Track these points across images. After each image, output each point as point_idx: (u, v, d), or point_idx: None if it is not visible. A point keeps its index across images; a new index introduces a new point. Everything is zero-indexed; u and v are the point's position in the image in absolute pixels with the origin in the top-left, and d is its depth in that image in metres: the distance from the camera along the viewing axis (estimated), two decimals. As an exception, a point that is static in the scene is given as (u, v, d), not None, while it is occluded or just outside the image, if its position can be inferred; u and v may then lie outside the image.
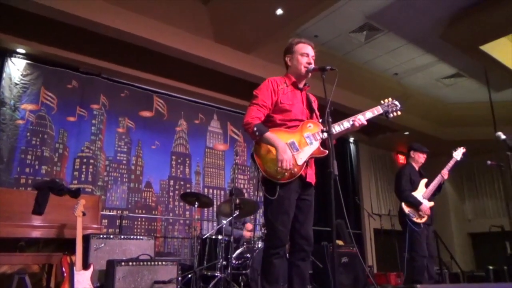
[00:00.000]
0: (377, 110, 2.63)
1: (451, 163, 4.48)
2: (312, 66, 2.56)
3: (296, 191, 2.39)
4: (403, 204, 4.37)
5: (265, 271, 2.30)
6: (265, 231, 2.44)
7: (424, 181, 4.52)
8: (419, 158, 4.62)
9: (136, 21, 5.08)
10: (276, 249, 2.30)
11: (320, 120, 2.57)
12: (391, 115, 2.65)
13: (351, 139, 9.20)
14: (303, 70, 2.56)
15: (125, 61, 5.82)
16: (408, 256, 4.23)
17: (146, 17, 5.16)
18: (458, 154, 4.51)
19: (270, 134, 2.36)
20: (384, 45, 6.35)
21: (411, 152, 4.65)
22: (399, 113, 2.68)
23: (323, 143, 2.47)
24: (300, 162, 2.36)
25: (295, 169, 2.34)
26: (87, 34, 5.01)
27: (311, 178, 2.48)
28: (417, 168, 4.61)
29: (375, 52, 6.57)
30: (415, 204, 4.30)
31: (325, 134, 2.39)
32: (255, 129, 2.34)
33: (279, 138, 2.34)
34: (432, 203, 4.38)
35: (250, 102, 2.51)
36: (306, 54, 2.60)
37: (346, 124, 2.49)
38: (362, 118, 2.51)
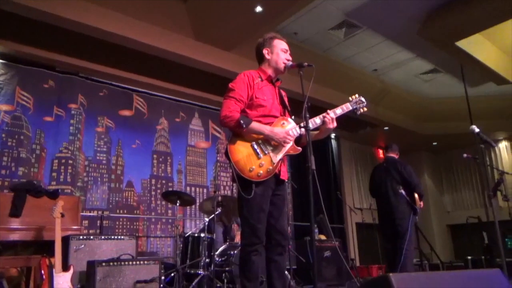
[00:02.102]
0: (346, 107, 2.62)
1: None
2: (291, 62, 2.58)
3: (271, 187, 2.40)
4: (416, 196, 4.68)
5: (245, 269, 2.30)
6: (241, 229, 2.42)
7: None
8: None
9: (114, 19, 5.00)
10: (254, 246, 2.30)
11: (293, 117, 2.59)
12: (359, 112, 2.65)
13: (332, 135, 9.29)
14: (283, 65, 2.58)
15: (103, 60, 5.73)
16: (408, 246, 4.50)
17: (124, 15, 5.08)
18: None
19: (256, 123, 2.38)
20: (363, 42, 6.43)
21: (398, 153, 5.08)
22: (365, 109, 2.67)
23: (297, 140, 2.49)
24: (275, 160, 2.38)
25: (271, 167, 2.36)
26: (64, 32, 4.90)
27: (284, 175, 2.50)
28: None
29: (354, 48, 6.64)
30: (422, 197, 4.76)
31: (302, 130, 2.41)
32: (241, 121, 2.31)
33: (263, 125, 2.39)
34: None
35: (226, 95, 2.48)
36: (285, 50, 2.63)
37: (317, 120, 2.50)
38: (332, 114, 2.50)
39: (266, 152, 2.38)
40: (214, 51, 5.94)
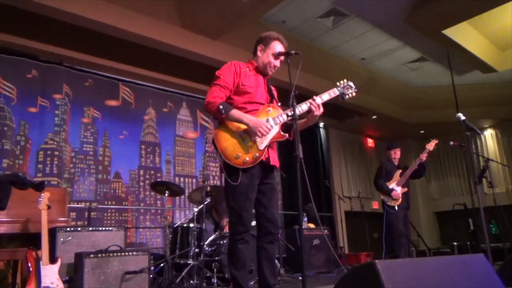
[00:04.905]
0: (333, 92, 2.62)
1: (424, 154, 5.03)
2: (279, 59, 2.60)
3: (257, 176, 2.40)
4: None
5: (232, 257, 2.33)
6: (229, 219, 2.43)
7: (399, 171, 5.15)
8: (395, 154, 5.29)
9: (98, 6, 4.88)
10: (241, 234, 2.32)
11: (279, 104, 2.59)
12: (347, 96, 2.65)
13: (321, 124, 9.31)
14: (269, 71, 2.61)
15: (88, 49, 5.61)
16: (385, 234, 4.97)
17: (109, 2, 4.97)
18: (431, 145, 5.00)
19: (236, 111, 2.37)
20: (351, 30, 6.40)
21: (387, 152, 5.39)
22: (354, 94, 2.68)
23: (287, 129, 2.48)
24: (261, 146, 2.38)
25: (257, 154, 2.35)
26: (46, 21, 4.77)
27: (274, 161, 2.49)
28: (396, 162, 5.30)
29: (342, 37, 6.62)
30: (387, 192, 5.04)
31: (288, 117, 2.41)
32: (220, 107, 2.31)
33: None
34: (405, 189, 5.05)
35: (212, 82, 2.48)
36: (279, 58, 2.58)
37: (304, 106, 2.49)
38: (318, 100, 2.50)
39: (252, 138, 2.37)
40: (200, 39, 5.86)
